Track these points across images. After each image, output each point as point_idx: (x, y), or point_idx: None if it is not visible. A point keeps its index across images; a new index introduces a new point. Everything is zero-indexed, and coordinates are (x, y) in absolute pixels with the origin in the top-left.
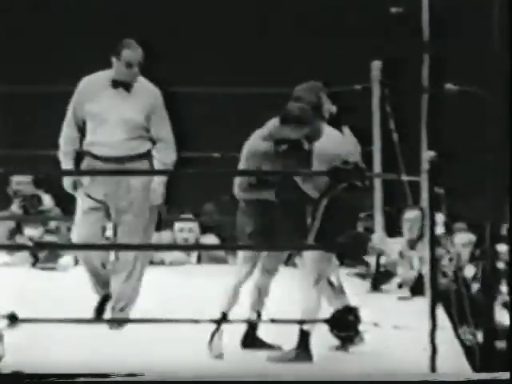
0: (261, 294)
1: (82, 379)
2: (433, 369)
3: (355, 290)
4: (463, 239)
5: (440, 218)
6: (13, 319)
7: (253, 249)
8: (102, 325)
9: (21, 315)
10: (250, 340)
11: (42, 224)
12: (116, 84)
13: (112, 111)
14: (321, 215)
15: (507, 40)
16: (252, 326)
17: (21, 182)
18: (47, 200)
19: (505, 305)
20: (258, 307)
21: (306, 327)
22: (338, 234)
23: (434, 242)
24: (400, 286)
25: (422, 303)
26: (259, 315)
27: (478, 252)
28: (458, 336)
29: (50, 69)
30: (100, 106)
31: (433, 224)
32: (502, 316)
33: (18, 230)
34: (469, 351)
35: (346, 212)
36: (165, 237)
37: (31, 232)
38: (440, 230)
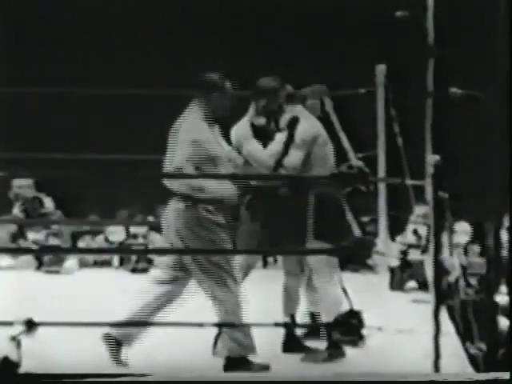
0: (290, 297)
1: (90, 379)
2: (436, 370)
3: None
4: None
5: (466, 227)
6: (30, 325)
7: (255, 253)
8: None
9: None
10: (291, 344)
11: (45, 227)
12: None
13: None
14: (312, 212)
15: (508, 43)
16: (291, 330)
17: (22, 186)
18: (48, 203)
19: (504, 311)
20: (289, 311)
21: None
22: (331, 227)
23: (439, 246)
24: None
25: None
26: (293, 319)
27: None
28: (462, 342)
29: (51, 71)
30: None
31: (438, 228)
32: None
33: (20, 233)
34: (472, 356)
35: (334, 205)
36: None
37: (35, 236)
38: (465, 238)
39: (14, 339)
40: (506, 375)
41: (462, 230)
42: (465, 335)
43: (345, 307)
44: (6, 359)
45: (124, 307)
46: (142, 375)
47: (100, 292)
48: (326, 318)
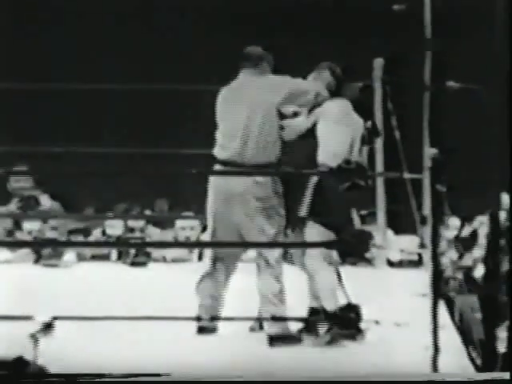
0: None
1: (106, 379)
2: (435, 369)
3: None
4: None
5: (456, 221)
6: (49, 325)
7: (254, 246)
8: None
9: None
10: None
11: (43, 222)
12: None
13: None
14: (311, 191)
15: (508, 37)
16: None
17: (19, 179)
18: (45, 201)
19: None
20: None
21: (330, 308)
22: (326, 209)
23: (437, 239)
24: None
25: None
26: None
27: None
28: (460, 334)
29: (50, 66)
30: None
31: (435, 222)
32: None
33: (15, 228)
34: (470, 351)
35: (333, 190)
36: (168, 235)
37: (30, 226)
38: (453, 233)
39: (33, 337)
40: (506, 375)
41: (452, 225)
42: (464, 332)
43: (343, 301)
44: (20, 359)
45: (130, 300)
46: (158, 375)
47: (102, 286)
48: (328, 305)
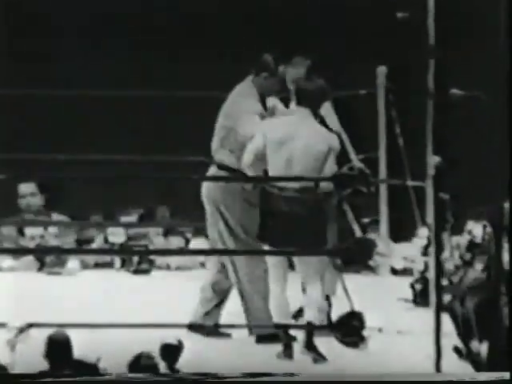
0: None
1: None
2: (437, 369)
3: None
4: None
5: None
6: (23, 329)
7: (258, 254)
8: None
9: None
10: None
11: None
12: None
13: None
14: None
15: (509, 43)
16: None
17: (25, 194)
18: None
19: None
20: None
21: (311, 320)
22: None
23: (439, 248)
24: None
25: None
26: None
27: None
28: (461, 341)
29: (51, 71)
30: None
31: (438, 230)
32: None
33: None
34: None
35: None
36: (173, 242)
37: (32, 231)
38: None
39: (9, 342)
40: (506, 375)
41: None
42: (465, 335)
43: (346, 308)
44: None
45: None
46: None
47: (105, 293)
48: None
